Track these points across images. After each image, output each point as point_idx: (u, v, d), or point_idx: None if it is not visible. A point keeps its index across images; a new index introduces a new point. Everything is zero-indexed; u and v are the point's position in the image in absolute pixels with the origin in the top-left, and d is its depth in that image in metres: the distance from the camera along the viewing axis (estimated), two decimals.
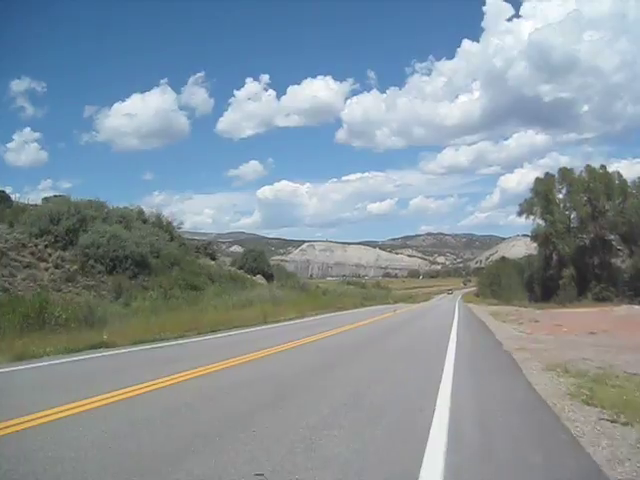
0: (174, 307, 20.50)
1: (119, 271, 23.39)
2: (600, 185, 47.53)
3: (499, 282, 57.19)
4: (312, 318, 26.23)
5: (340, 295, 58.21)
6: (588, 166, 49.24)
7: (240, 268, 69.42)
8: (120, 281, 22.46)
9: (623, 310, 31.48)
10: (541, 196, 50.26)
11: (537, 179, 51.81)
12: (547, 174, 52.08)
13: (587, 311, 33.63)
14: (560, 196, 51.47)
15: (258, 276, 62.88)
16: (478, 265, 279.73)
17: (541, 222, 50.66)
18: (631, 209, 46.11)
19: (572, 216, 50.67)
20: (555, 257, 51.57)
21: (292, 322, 22.68)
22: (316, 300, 38.67)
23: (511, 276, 57.57)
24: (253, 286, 41.76)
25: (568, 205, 50.87)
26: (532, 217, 50.75)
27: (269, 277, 67.36)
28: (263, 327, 19.10)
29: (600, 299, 47.68)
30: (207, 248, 79.41)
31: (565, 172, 50.97)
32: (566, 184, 50.59)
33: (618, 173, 48.98)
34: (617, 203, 47.80)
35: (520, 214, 51.25)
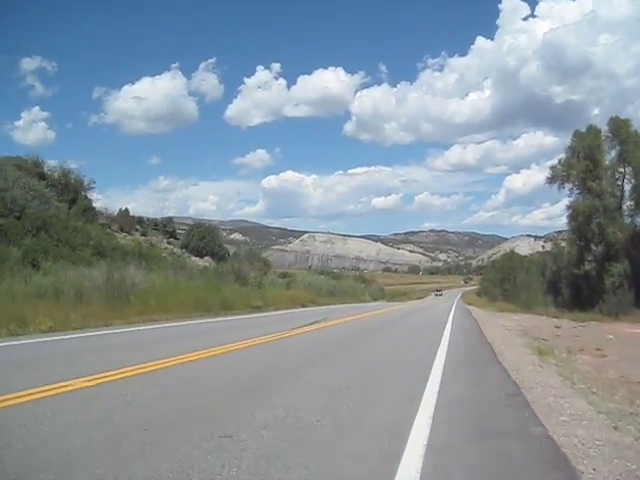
0: None
1: None
2: None
3: (513, 280, 40.48)
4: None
5: (306, 286, 41.98)
6: None
7: (184, 247, 53.27)
8: None
9: None
10: (583, 155, 33.12)
11: (577, 133, 34.60)
12: (590, 127, 34.80)
13: None
14: (607, 161, 34.25)
15: (206, 258, 47.34)
16: (480, 263, 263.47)
17: (576, 194, 33.68)
18: None
19: (626, 188, 33.55)
20: (598, 246, 34.48)
21: None
22: (218, 294, 21.67)
23: (530, 273, 40.76)
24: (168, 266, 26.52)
25: (620, 172, 33.69)
26: (568, 186, 33.68)
27: (221, 259, 51.69)
28: None
29: None
30: (166, 226, 64.05)
31: (618, 123, 33.70)
32: (619, 141, 33.36)
33: None
34: None
35: (551, 181, 34.16)
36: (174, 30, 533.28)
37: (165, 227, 63.89)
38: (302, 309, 23.99)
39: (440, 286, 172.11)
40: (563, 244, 41.79)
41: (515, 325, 18.99)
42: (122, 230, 54.24)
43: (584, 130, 34.73)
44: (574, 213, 33.07)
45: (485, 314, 27.75)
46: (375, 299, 48.73)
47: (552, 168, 33.92)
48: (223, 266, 39.08)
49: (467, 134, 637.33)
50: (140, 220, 64.30)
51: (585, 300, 35.53)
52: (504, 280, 41.37)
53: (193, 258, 49.17)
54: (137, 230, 56.50)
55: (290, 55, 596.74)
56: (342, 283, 44.46)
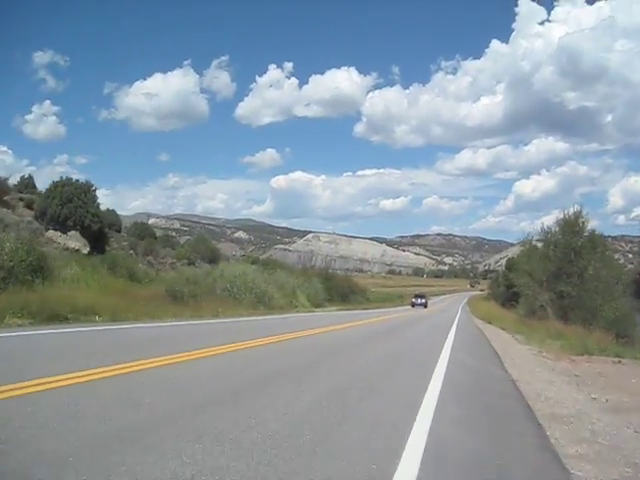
0: None
1: None
2: None
3: (579, 276, 18.40)
4: None
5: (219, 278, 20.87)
6: None
7: (40, 216, 27.78)
8: None
9: None
10: None
11: None
12: None
13: None
14: None
15: (71, 233, 28.49)
16: (487, 268, 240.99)
17: None
18: None
19: None
20: None
21: None
22: None
23: (607, 261, 18.94)
24: None
25: None
26: None
27: (99, 237, 32.12)
28: None
29: None
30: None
31: None
32: None
33: None
34: None
35: None
36: (187, 26, 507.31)
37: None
38: None
39: (446, 289, 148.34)
40: None
41: None
42: None
43: None
44: None
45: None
46: (319, 305, 27.25)
47: None
48: None
49: (478, 138, 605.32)
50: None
51: None
52: (559, 276, 19.10)
53: (50, 233, 28.44)
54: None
55: (303, 54, 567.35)
56: (247, 276, 22.81)
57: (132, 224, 61.78)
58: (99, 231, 34.71)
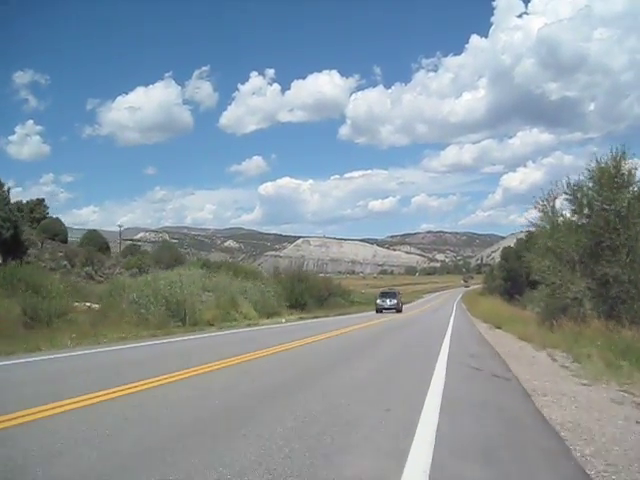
0: None
1: None
2: None
3: (631, 252, 12.35)
4: None
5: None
6: None
7: None
8: None
9: None
10: None
11: None
12: None
13: None
14: None
15: None
16: (479, 262, 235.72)
17: None
18: None
19: None
20: None
21: None
22: None
23: None
24: None
25: None
26: None
27: (14, 246, 27.42)
28: None
29: None
30: None
31: None
32: None
33: None
34: None
35: None
36: (167, 38, 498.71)
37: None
38: None
39: (439, 286, 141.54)
40: None
41: None
42: None
43: None
44: None
45: None
46: (273, 314, 20.71)
47: None
48: None
49: (463, 134, 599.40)
50: None
51: None
52: (598, 253, 12.58)
53: None
54: None
55: (284, 60, 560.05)
56: (158, 283, 16.21)
57: (84, 234, 54.84)
58: (13, 239, 27.72)
